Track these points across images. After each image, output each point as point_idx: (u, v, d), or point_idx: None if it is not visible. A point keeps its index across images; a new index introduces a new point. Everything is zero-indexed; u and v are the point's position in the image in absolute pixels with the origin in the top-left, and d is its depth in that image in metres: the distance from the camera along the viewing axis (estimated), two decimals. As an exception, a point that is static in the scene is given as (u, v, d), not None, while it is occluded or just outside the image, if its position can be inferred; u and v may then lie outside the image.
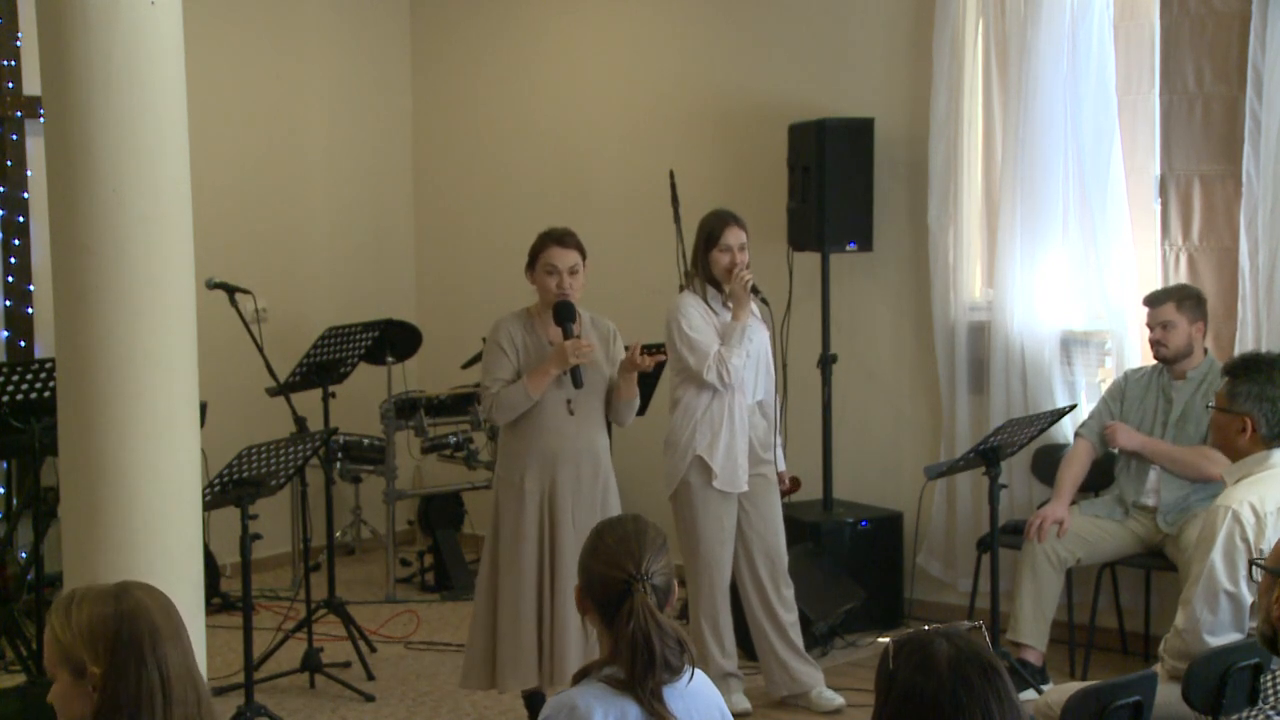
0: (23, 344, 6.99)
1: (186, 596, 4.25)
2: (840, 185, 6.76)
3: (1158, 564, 5.93)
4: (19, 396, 5.77)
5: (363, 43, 8.51)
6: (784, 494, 5.90)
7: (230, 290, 6.51)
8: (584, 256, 5.26)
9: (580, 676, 2.96)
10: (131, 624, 2.60)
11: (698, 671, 2.98)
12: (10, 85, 6.91)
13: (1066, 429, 6.25)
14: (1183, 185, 6.16)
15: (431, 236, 8.72)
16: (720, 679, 5.49)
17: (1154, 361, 5.96)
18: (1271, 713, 2.94)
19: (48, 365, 5.68)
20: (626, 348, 5.31)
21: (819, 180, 6.72)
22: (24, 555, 6.39)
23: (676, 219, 6.76)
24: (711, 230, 5.67)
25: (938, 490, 6.77)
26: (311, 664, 6.10)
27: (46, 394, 5.66)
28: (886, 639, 2.42)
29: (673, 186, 6.82)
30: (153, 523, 4.34)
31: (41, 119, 4.62)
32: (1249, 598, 4.09)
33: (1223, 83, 6.01)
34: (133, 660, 2.58)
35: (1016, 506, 6.45)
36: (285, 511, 7.50)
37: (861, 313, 7.08)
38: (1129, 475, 5.96)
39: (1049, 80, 6.35)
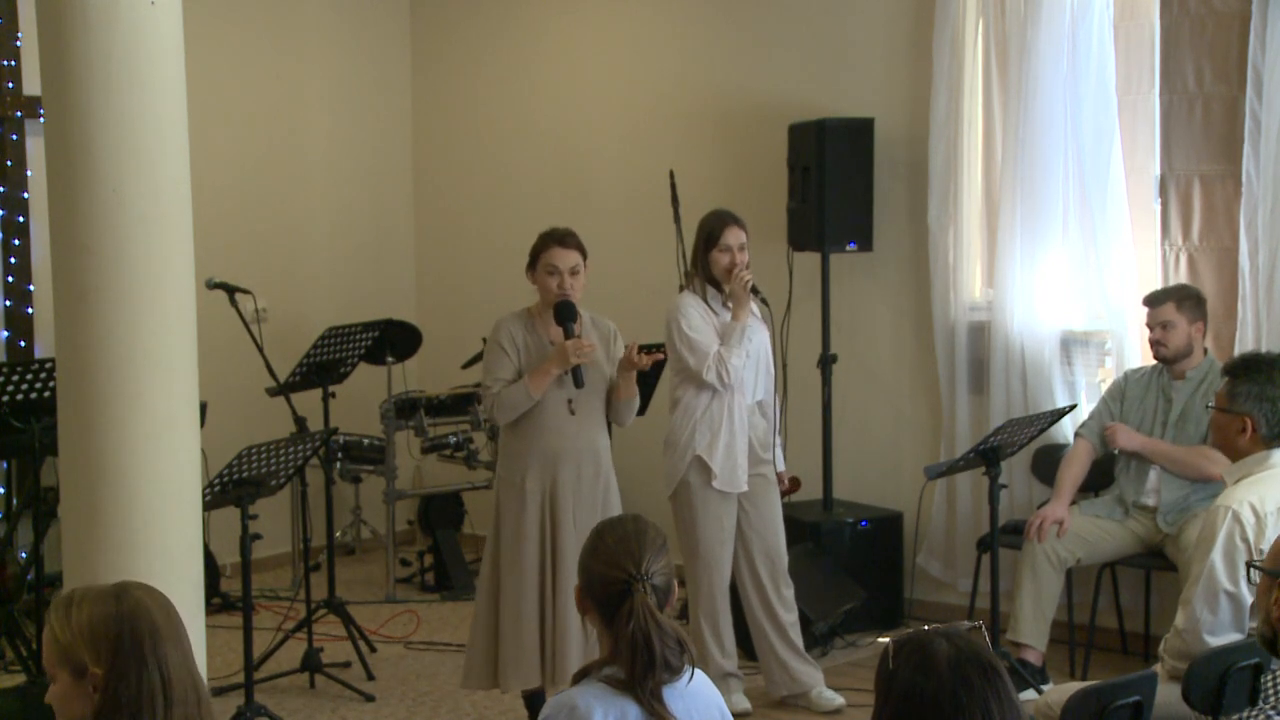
0: (23, 344, 6.99)
1: (186, 596, 4.25)
2: (840, 185, 6.76)
3: (1158, 564, 5.93)
4: (19, 396, 5.77)
5: (363, 43, 8.51)
6: (783, 494, 5.90)
7: (230, 290, 6.51)
8: (585, 257, 5.26)
9: (580, 676, 2.96)
10: (133, 624, 2.60)
11: (698, 671, 2.98)
12: (10, 85, 6.91)
13: (1066, 429, 6.25)
14: (1183, 185, 6.16)
15: (431, 236, 8.72)
16: (720, 679, 5.50)
17: (1154, 361, 5.97)
18: (1272, 713, 2.94)
19: (48, 365, 5.68)
20: (626, 347, 5.31)
21: (819, 180, 6.72)
22: (24, 555, 6.39)
23: (676, 219, 6.76)
24: (711, 230, 5.67)
25: (938, 490, 6.77)
26: (311, 664, 6.10)
27: (46, 394, 5.66)
28: (886, 639, 2.42)
29: (673, 186, 6.82)
30: (153, 523, 4.34)
31: (41, 119, 4.62)
32: (1249, 598, 4.09)
33: (1223, 83, 6.02)
34: (134, 661, 2.58)
35: (1016, 506, 6.45)
36: (285, 511, 7.50)
37: (861, 313, 7.08)
38: (1129, 475, 5.96)
39: (1049, 80, 6.35)
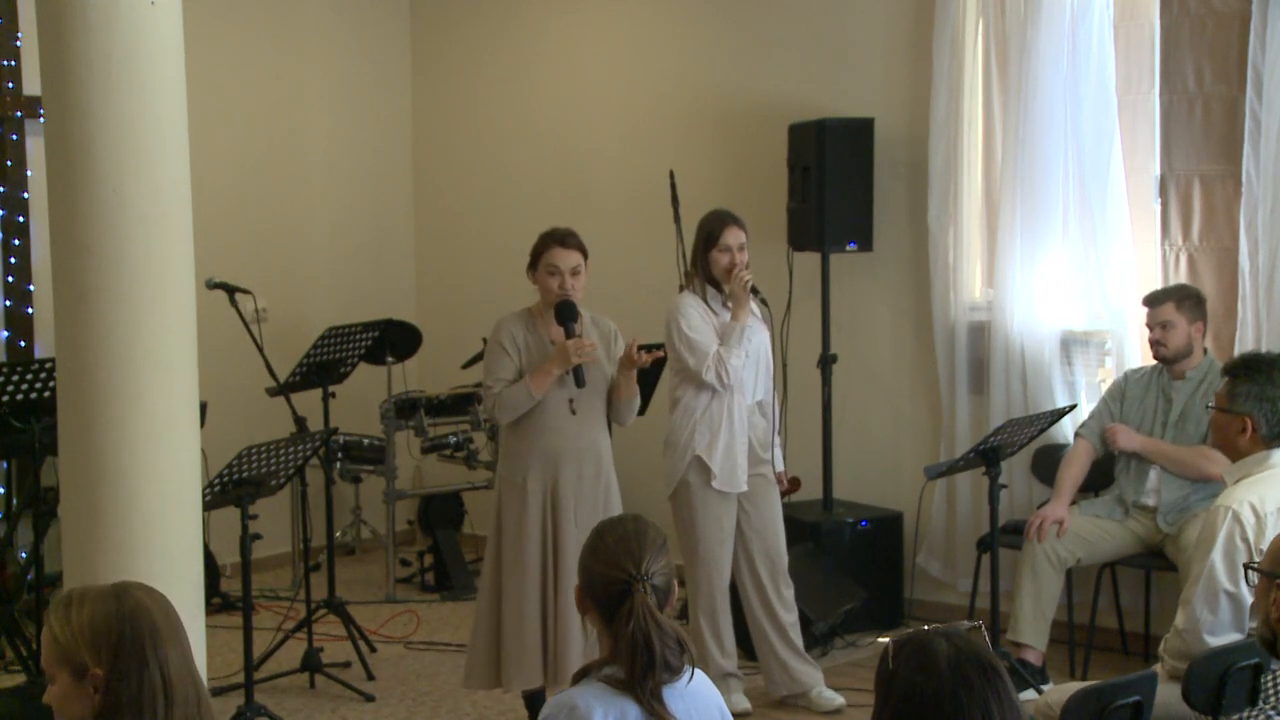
0: (23, 344, 6.99)
1: (186, 596, 4.26)
2: (840, 185, 6.76)
3: (1158, 564, 5.93)
4: (19, 396, 5.77)
5: (363, 43, 8.51)
6: (783, 494, 5.90)
7: (230, 290, 6.51)
8: (586, 257, 5.27)
9: (580, 676, 2.96)
10: (133, 625, 2.60)
11: (697, 671, 2.98)
12: (10, 85, 6.91)
13: (1066, 429, 6.25)
14: (1183, 185, 6.16)
15: (431, 236, 8.72)
16: (720, 679, 5.50)
17: (1154, 361, 5.97)
18: (1272, 713, 2.95)
19: (48, 365, 5.68)
20: (626, 345, 5.32)
21: (819, 180, 6.72)
22: (24, 555, 6.39)
23: (676, 219, 6.76)
24: (711, 230, 5.67)
25: (938, 490, 6.77)
26: (311, 664, 6.10)
27: (46, 394, 5.66)
28: (886, 639, 2.42)
29: (673, 186, 6.82)
30: (153, 523, 4.34)
31: (41, 119, 4.62)
32: (1249, 598, 4.09)
33: (1223, 83, 6.01)
34: (135, 661, 2.58)
35: (1016, 506, 6.45)
36: (285, 511, 7.50)
37: (861, 313, 7.08)
38: (1129, 475, 5.96)
39: (1049, 80, 6.35)
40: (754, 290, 5.61)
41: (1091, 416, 6.09)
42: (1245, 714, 3.02)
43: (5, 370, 5.83)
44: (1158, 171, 6.27)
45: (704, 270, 5.69)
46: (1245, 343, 5.93)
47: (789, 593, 5.79)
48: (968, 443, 6.42)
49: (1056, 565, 5.84)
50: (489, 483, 7.49)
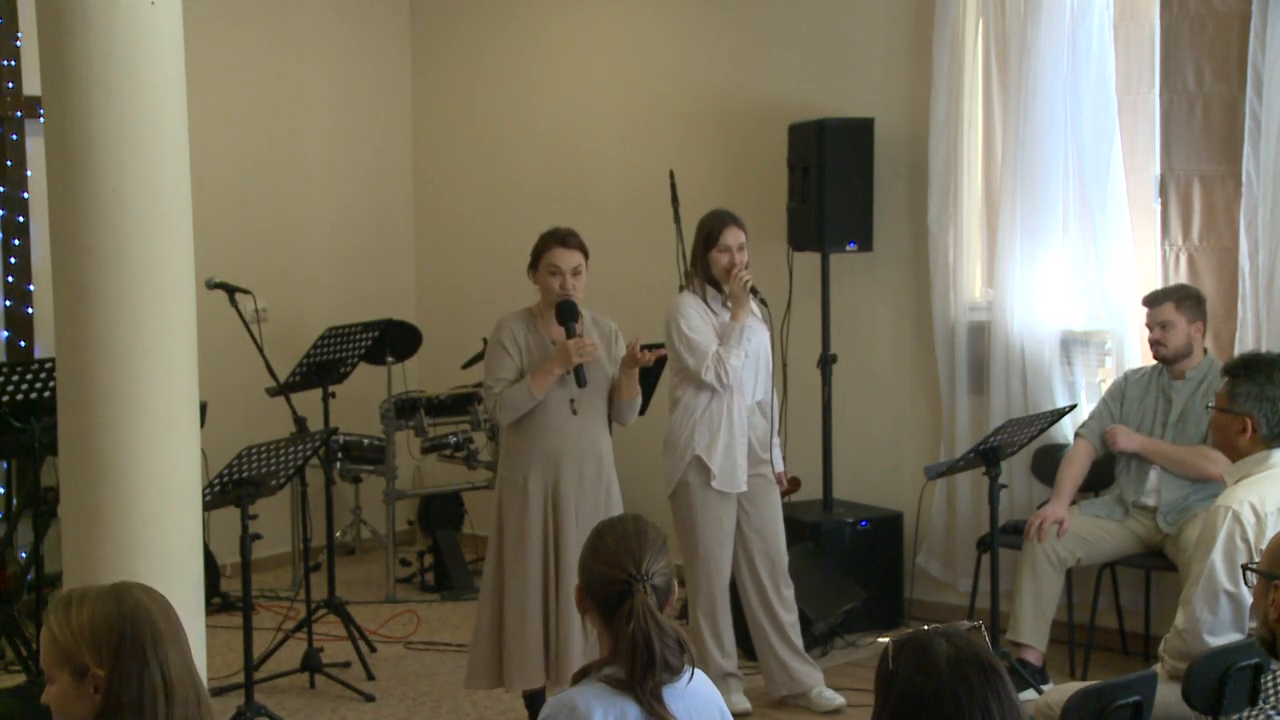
0: (23, 344, 6.99)
1: (186, 596, 4.26)
2: (840, 185, 6.76)
3: (1158, 564, 5.93)
4: (19, 396, 5.77)
5: (363, 43, 8.51)
6: (783, 494, 5.90)
7: (230, 290, 6.51)
8: (587, 257, 5.27)
9: (580, 676, 2.96)
10: (134, 625, 2.59)
11: (697, 671, 2.98)
12: (10, 85, 6.91)
13: (1066, 429, 6.25)
14: (1183, 185, 6.16)
15: (431, 236, 8.72)
16: (720, 679, 5.50)
17: (1154, 361, 5.97)
18: (1272, 713, 2.95)
19: (48, 365, 5.68)
20: (629, 344, 5.32)
21: (819, 180, 6.72)
22: (24, 555, 6.39)
23: (676, 219, 6.76)
24: (710, 230, 5.67)
25: (938, 490, 6.77)
26: (311, 664, 6.10)
27: (46, 394, 5.66)
28: (886, 639, 2.42)
29: (673, 186, 6.82)
30: (153, 523, 4.34)
31: (41, 119, 4.62)
32: (1249, 598, 4.09)
33: (1223, 83, 6.01)
34: (136, 662, 2.58)
35: (1016, 506, 6.45)
36: (285, 511, 7.50)
37: (861, 313, 7.08)
38: (1129, 475, 5.96)
39: (1049, 80, 6.35)
40: (753, 290, 5.61)
41: (1091, 417, 6.09)
42: (1245, 714, 3.01)
43: (5, 370, 5.83)
44: (1158, 171, 6.27)
45: (704, 270, 5.69)
46: (1245, 343, 5.93)
47: (789, 593, 5.79)
48: (968, 443, 6.42)
49: (1056, 565, 5.84)
50: (489, 483, 7.49)
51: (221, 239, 7.31)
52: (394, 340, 7.42)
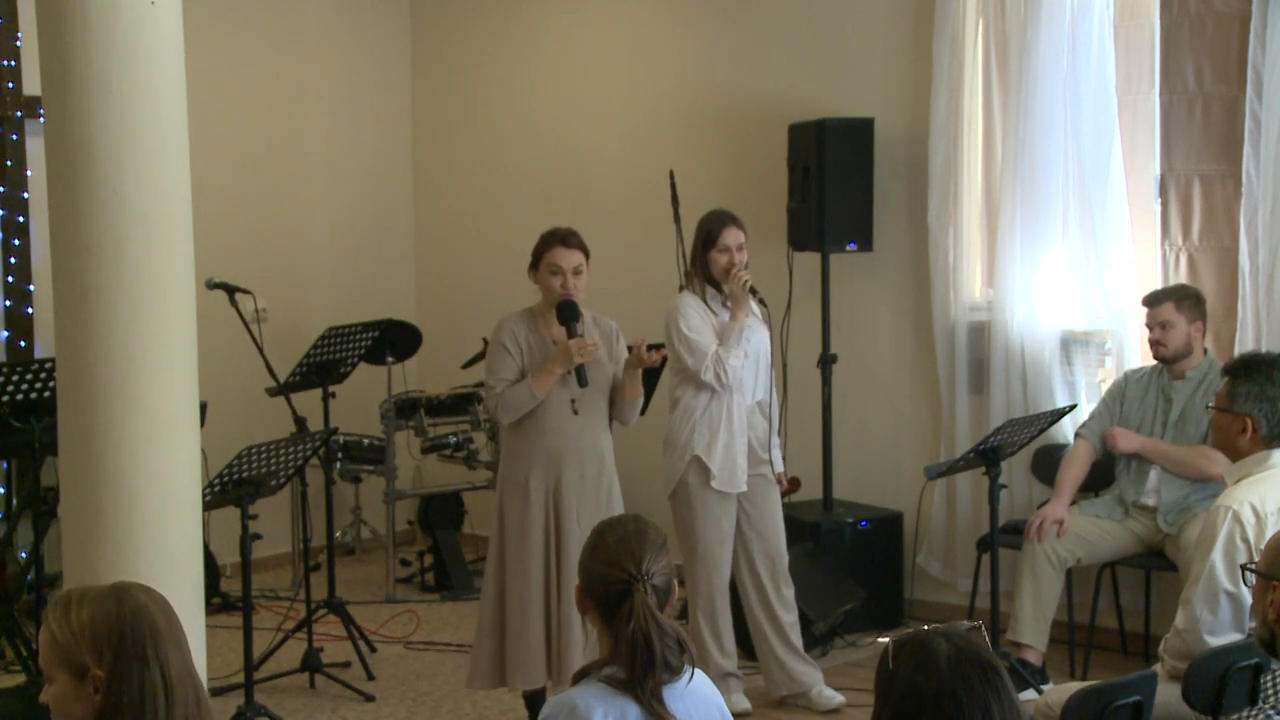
0: (23, 344, 6.99)
1: (186, 596, 4.26)
2: (840, 185, 6.76)
3: (1158, 564, 5.93)
4: (19, 396, 5.77)
5: (363, 43, 8.51)
6: (783, 494, 5.90)
7: (230, 290, 6.51)
8: (587, 256, 5.27)
9: (580, 676, 2.96)
10: (134, 625, 2.59)
11: (697, 671, 2.98)
12: (10, 85, 6.91)
13: (1066, 429, 6.25)
14: (1183, 185, 6.16)
15: (431, 236, 8.72)
16: (720, 679, 5.50)
17: (1154, 361, 5.97)
18: (1272, 712, 2.95)
19: (48, 365, 5.68)
20: (630, 346, 5.31)
21: (819, 180, 6.72)
22: (24, 555, 6.39)
23: (676, 219, 6.76)
24: (710, 230, 5.67)
25: (938, 490, 6.77)
26: (311, 664, 6.10)
27: (46, 394, 5.66)
28: (886, 639, 2.42)
29: (673, 186, 6.82)
30: (153, 523, 4.34)
31: (41, 119, 4.62)
32: (1249, 598, 4.09)
33: (1223, 83, 6.01)
34: (136, 662, 2.57)
35: (1016, 506, 6.45)
36: (285, 511, 7.50)
37: (861, 313, 7.08)
38: (1129, 475, 5.97)
39: (1049, 80, 6.35)
40: (752, 290, 5.61)
41: (1092, 417, 6.09)
42: (1245, 714, 3.01)
43: (5, 370, 5.83)
44: (1158, 171, 6.27)
45: (703, 270, 5.69)
46: (1245, 343, 5.93)
47: (789, 593, 5.79)
48: (968, 443, 6.42)
49: (1056, 565, 5.84)
50: (489, 483, 7.49)
51: (221, 239, 7.31)
52: (394, 340, 7.42)
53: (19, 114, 6.92)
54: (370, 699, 5.98)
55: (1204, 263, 6.13)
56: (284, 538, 7.63)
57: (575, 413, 5.22)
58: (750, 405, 5.70)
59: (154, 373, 4.34)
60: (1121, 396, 6.02)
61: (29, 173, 6.96)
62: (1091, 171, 6.33)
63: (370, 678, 6.18)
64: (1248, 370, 4.40)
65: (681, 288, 5.96)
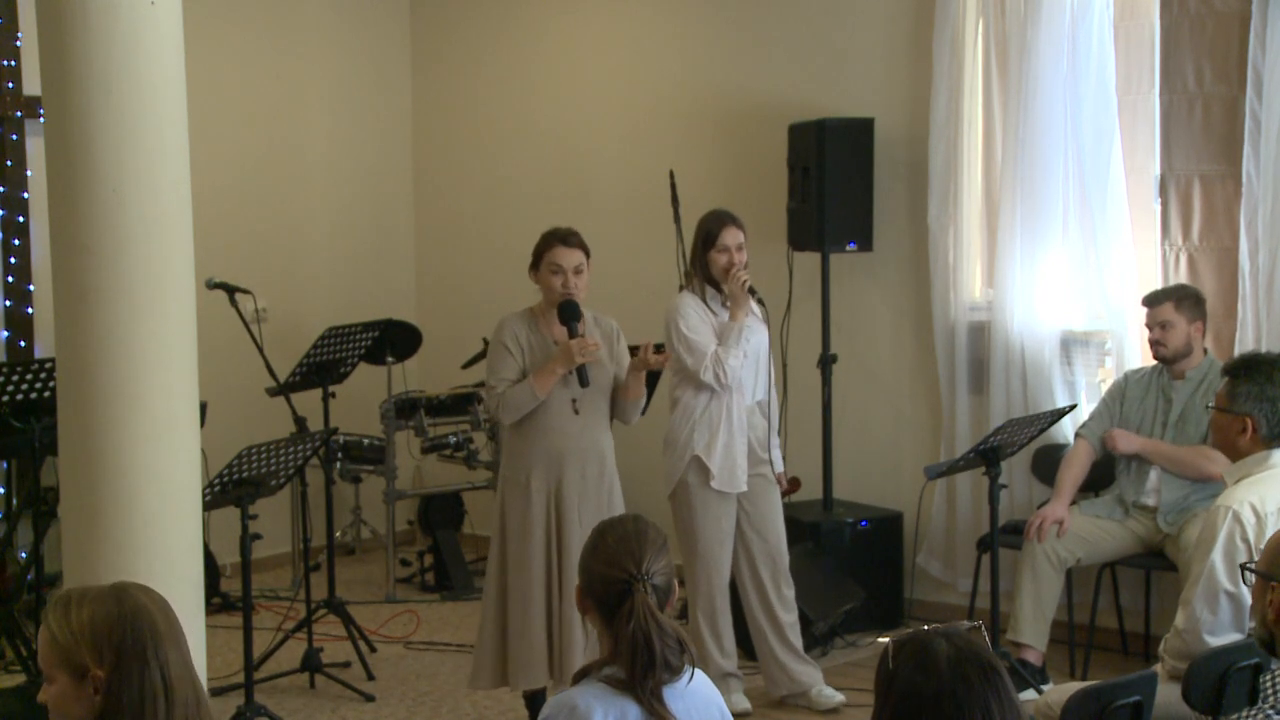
0: (23, 344, 6.99)
1: (186, 596, 4.26)
2: (840, 185, 6.75)
3: (1158, 564, 5.93)
4: (19, 396, 5.77)
5: (363, 43, 8.51)
6: (783, 494, 5.90)
7: (230, 290, 6.51)
8: (588, 256, 5.27)
9: (580, 676, 2.96)
10: (134, 625, 2.59)
11: (697, 671, 2.99)
12: (10, 85, 6.91)
13: (1066, 429, 6.25)
14: (1183, 185, 6.16)
15: (431, 236, 8.72)
16: (720, 679, 5.50)
17: (1154, 362, 5.97)
18: (1271, 712, 2.95)
19: (48, 365, 5.68)
20: (633, 347, 5.31)
21: (819, 180, 6.72)
22: (24, 555, 6.39)
23: (676, 219, 6.76)
24: (709, 230, 5.67)
25: (938, 490, 6.77)
26: (311, 664, 6.10)
27: (46, 394, 5.66)
28: (886, 639, 2.42)
29: (673, 186, 6.82)
30: (153, 523, 4.34)
31: (41, 119, 4.62)
32: (1249, 598, 4.09)
33: (1223, 83, 6.01)
34: (136, 662, 2.57)
35: (1016, 506, 6.45)
36: (285, 511, 7.50)
37: (861, 313, 7.08)
38: (1129, 475, 5.97)
39: (1049, 80, 6.35)
40: (751, 290, 5.60)
41: (1092, 417, 6.09)
42: (1245, 714, 3.01)
43: (5, 370, 5.83)
44: (1158, 171, 6.27)
45: (703, 270, 5.69)
46: (1245, 343, 5.93)
47: (789, 593, 5.79)
48: (968, 443, 6.42)
49: (1056, 565, 5.84)
50: (489, 483, 7.49)
51: (221, 239, 7.31)
52: (394, 340, 7.42)
53: (19, 114, 6.92)
54: (370, 699, 5.98)
55: (1204, 263, 6.13)
56: (284, 538, 7.63)
57: (576, 413, 5.22)
58: (750, 405, 5.70)
59: (154, 373, 4.34)
60: (1121, 396, 6.02)
61: (29, 173, 6.96)
62: (1091, 171, 6.33)
63: (370, 678, 6.18)
64: (1248, 370, 4.40)
65: (681, 288, 5.97)
